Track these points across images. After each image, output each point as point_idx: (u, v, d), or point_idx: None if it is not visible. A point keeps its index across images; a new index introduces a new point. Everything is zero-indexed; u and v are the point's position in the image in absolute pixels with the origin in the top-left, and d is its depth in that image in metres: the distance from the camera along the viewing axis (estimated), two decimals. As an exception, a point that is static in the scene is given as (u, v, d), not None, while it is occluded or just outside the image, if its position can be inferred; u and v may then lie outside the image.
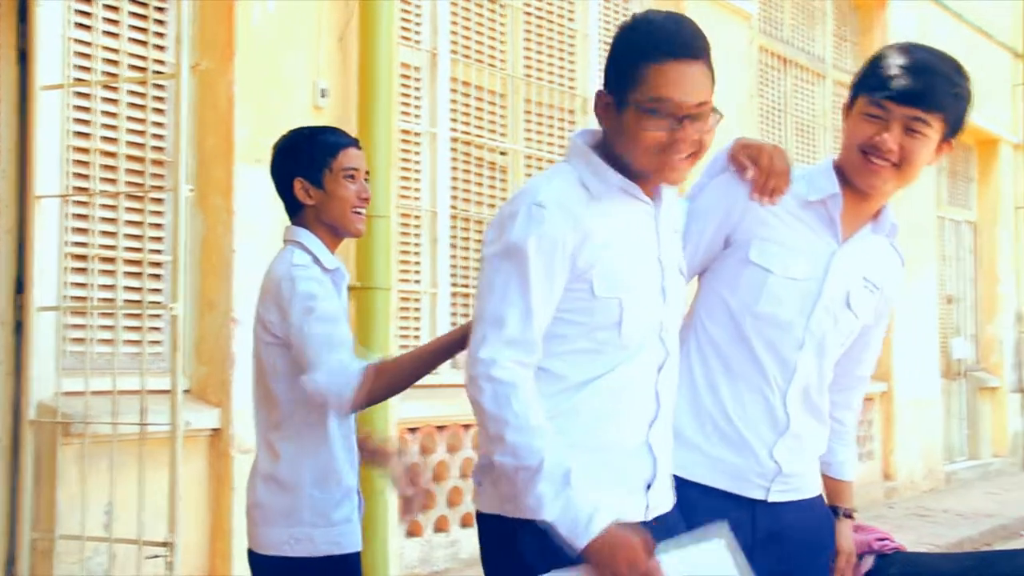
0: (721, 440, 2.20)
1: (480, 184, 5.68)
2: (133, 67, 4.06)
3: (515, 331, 1.89)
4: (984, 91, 10.69)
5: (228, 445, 4.19)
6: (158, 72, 4.03)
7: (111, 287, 3.86)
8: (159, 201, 4.19)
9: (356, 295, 4.62)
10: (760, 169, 2.20)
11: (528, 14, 5.94)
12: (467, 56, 5.57)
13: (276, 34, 4.44)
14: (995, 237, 10.87)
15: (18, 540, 3.71)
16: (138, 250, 3.94)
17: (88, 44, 3.89)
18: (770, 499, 2.23)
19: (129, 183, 3.90)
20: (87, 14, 3.95)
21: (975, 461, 10.27)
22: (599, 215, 1.95)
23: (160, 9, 4.22)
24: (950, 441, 10.05)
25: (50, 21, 3.81)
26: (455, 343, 2.36)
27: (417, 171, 5.31)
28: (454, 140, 5.49)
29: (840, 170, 2.22)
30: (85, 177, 3.81)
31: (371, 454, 2.72)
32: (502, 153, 5.82)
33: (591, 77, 6.29)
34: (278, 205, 4.36)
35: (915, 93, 2.12)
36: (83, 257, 3.81)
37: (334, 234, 2.60)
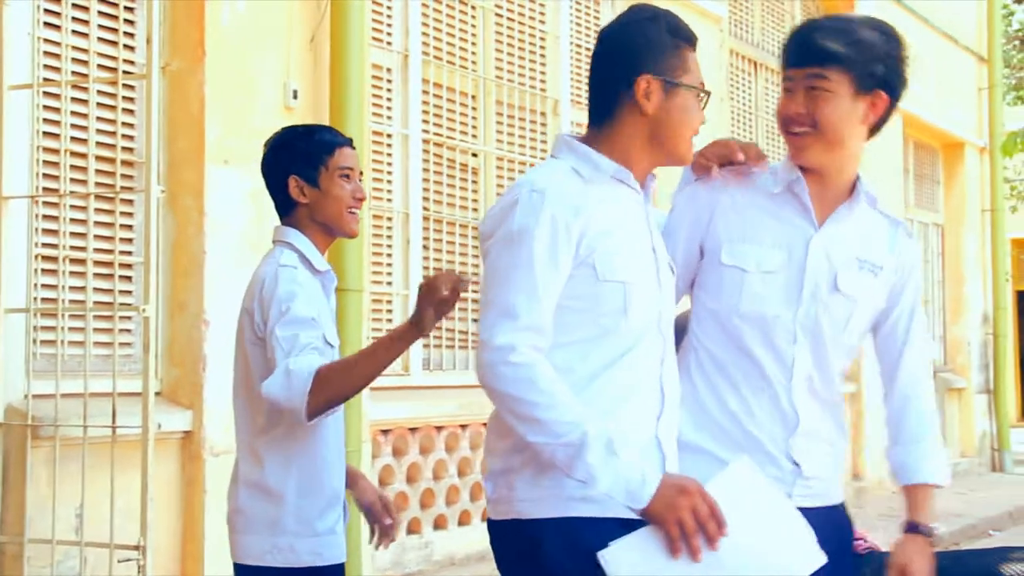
0: (734, 446, 2.13)
1: (452, 186, 5.68)
2: (102, 67, 4.04)
3: (526, 317, 1.88)
4: (950, 95, 10.87)
5: (200, 447, 4.17)
6: (128, 72, 4.01)
7: (81, 288, 3.82)
8: (129, 202, 4.16)
9: (328, 296, 4.61)
10: (730, 149, 2.21)
11: (499, 16, 5.95)
12: (438, 58, 5.57)
13: (247, 35, 4.42)
14: (961, 239, 10.99)
15: (-13, 544, 3.67)
16: (108, 251, 3.91)
17: (57, 44, 3.86)
18: (795, 504, 2.09)
19: (99, 184, 3.87)
20: (56, 13, 3.92)
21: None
22: (596, 201, 1.97)
23: (129, 9, 4.19)
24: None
25: (18, 20, 3.78)
26: (405, 335, 2.30)
27: (389, 172, 5.31)
28: (426, 142, 5.48)
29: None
30: (54, 178, 3.77)
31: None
32: (473, 155, 5.82)
33: (562, 79, 6.31)
34: (249, 206, 4.37)
35: (804, 52, 2.13)
36: (52, 258, 3.78)
37: (327, 234, 2.57)
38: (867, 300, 2.20)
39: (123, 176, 3.98)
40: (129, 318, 4.15)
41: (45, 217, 3.85)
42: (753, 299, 2.15)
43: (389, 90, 5.30)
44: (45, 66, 3.89)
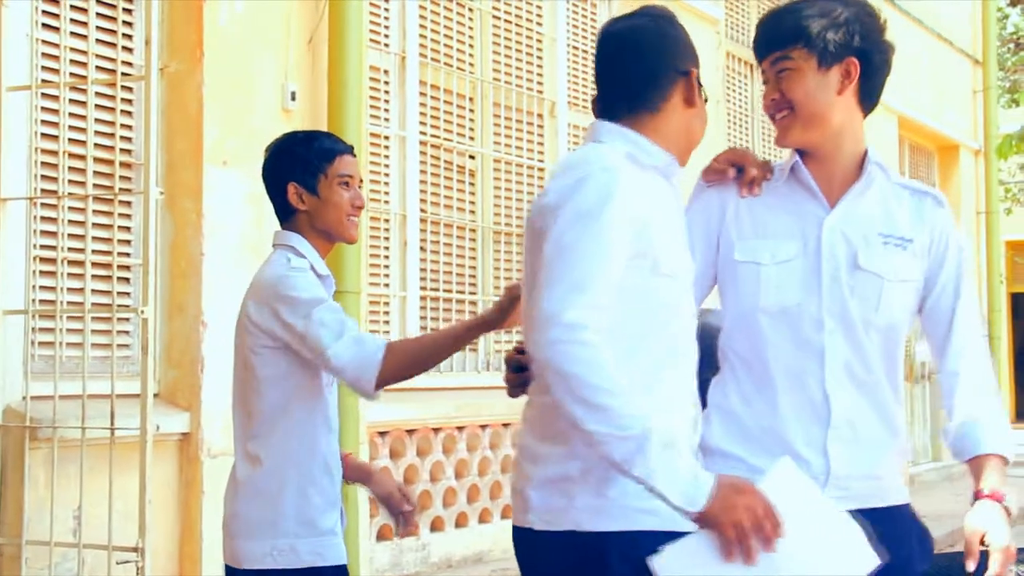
0: (763, 450, 2.05)
1: (449, 188, 5.68)
2: (100, 68, 4.04)
3: (597, 295, 1.78)
4: (945, 97, 10.90)
5: (198, 449, 4.17)
6: (126, 74, 4.00)
7: (79, 290, 3.82)
8: (127, 204, 4.16)
9: (326, 298, 4.61)
10: (747, 161, 2.19)
11: (496, 18, 5.96)
12: (436, 59, 5.57)
13: (245, 36, 4.42)
14: (957, 241, 11.01)
15: (-16, 546, 3.67)
16: (107, 253, 3.91)
17: (56, 45, 3.85)
18: None
19: (97, 185, 3.87)
20: (54, 15, 3.92)
21: (938, 463, 10.38)
22: (652, 190, 1.94)
23: (128, 11, 4.19)
24: (914, 444, 10.16)
25: (16, 21, 3.78)
26: (480, 327, 2.35)
27: (386, 174, 5.31)
28: (423, 143, 5.49)
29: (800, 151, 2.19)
30: (53, 179, 3.77)
31: (354, 471, 2.72)
32: (471, 157, 5.83)
33: (559, 81, 6.32)
34: (247, 208, 4.38)
35: (766, 41, 2.15)
36: (51, 260, 3.77)
37: (326, 240, 2.58)
38: (897, 275, 2.11)
39: (121, 178, 3.98)
40: (127, 320, 4.14)
41: (43, 219, 3.85)
42: (772, 291, 2.10)
43: (386, 92, 5.30)
44: (43, 67, 3.89)
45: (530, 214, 1.95)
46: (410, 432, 5.26)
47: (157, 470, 3.81)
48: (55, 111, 3.80)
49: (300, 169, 2.53)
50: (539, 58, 6.23)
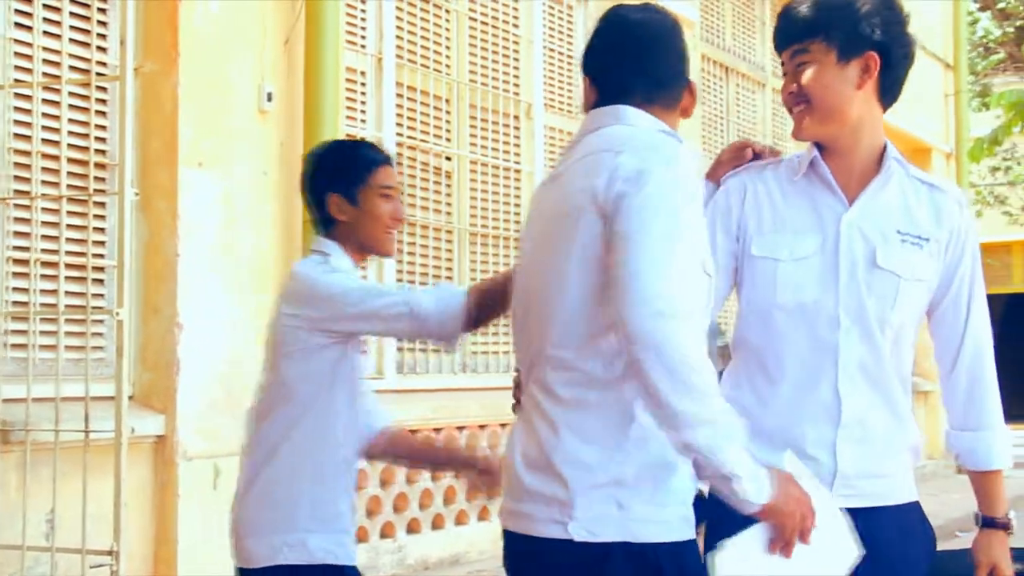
0: (772, 448, 1.98)
1: (426, 189, 5.68)
2: (74, 68, 4.00)
3: (689, 278, 1.78)
4: (918, 101, 10.98)
5: (173, 452, 4.14)
6: (101, 74, 3.97)
7: (53, 292, 3.79)
8: (101, 205, 4.13)
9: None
10: (744, 146, 2.21)
11: (473, 20, 5.96)
12: (412, 61, 5.57)
13: (221, 37, 4.40)
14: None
15: (-44, 551, 3.63)
16: (81, 254, 3.88)
17: (29, 45, 3.81)
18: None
19: (71, 186, 3.84)
20: (27, 14, 3.88)
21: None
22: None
23: (102, 10, 4.16)
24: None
25: (-11, 21, 3.75)
26: None
27: (363, 176, 5.29)
28: (399, 145, 5.48)
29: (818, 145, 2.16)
30: (26, 180, 3.73)
31: (463, 463, 2.76)
32: (447, 158, 5.82)
33: (535, 83, 6.32)
34: (222, 209, 4.35)
35: (785, 32, 2.12)
36: (24, 261, 3.74)
37: (363, 252, 2.54)
38: (914, 274, 2.08)
39: (96, 178, 3.95)
40: (101, 321, 4.11)
41: (16, 219, 3.82)
42: (789, 288, 2.07)
43: (363, 93, 5.29)
44: (16, 67, 3.85)
45: (571, 198, 1.85)
46: (386, 434, 5.24)
47: (132, 473, 3.78)
48: (28, 111, 3.77)
49: (341, 179, 2.48)
50: (515, 60, 6.23)
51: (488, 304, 2.31)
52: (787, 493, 1.75)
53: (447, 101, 5.80)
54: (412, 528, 5.34)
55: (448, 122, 5.81)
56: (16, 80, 3.81)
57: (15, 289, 3.79)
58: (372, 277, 5.33)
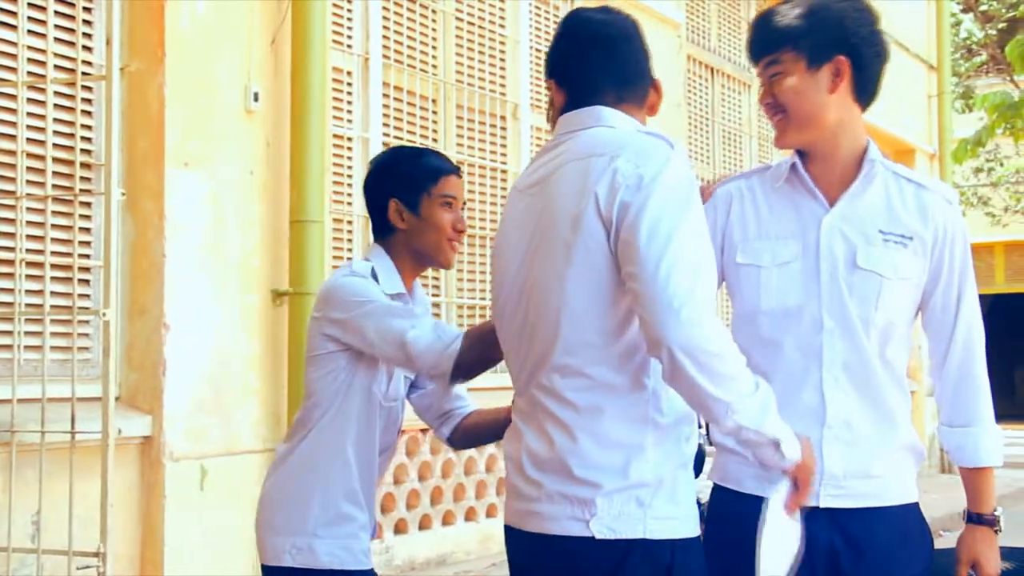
0: None
1: (412, 189, 5.67)
2: (59, 68, 3.99)
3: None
4: (901, 102, 11.03)
5: (159, 453, 4.13)
6: (86, 74, 3.96)
7: (38, 292, 3.77)
8: (87, 205, 4.11)
9: (289, 300, 4.59)
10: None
11: (459, 20, 5.96)
12: (399, 61, 5.56)
13: (207, 36, 4.39)
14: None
15: (-59, 553, 3.60)
16: (66, 254, 3.86)
17: (13, 44, 3.80)
18: (823, 504, 2.05)
19: (57, 186, 3.82)
20: (12, 13, 3.86)
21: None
22: None
23: (87, 10, 4.14)
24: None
25: (-26, 20, 3.73)
26: None
27: (349, 176, 5.29)
28: (386, 145, 5.46)
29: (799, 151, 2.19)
30: (11, 180, 3.71)
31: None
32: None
33: (522, 83, 6.33)
34: (209, 209, 4.34)
35: (756, 45, 2.15)
36: (9, 262, 3.72)
37: (418, 262, 2.50)
38: (897, 273, 2.09)
39: (82, 178, 3.93)
40: (87, 322, 4.09)
41: (1, 219, 3.80)
42: (773, 293, 2.11)
43: (349, 93, 5.28)
44: (1, 66, 3.84)
45: (565, 204, 1.86)
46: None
47: (118, 474, 3.76)
48: (13, 111, 3.75)
49: (403, 186, 2.45)
50: (502, 60, 6.24)
51: (482, 348, 2.26)
52: (808, 453, 1.88)
53: (434, 101, 5.80)
54: (399, 528, 5.34)
55: (435, 122, 5.81)
56: (1, 79, 3.79)
57: (0, 290, 3.77)
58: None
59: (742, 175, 2.26)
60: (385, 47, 5.47)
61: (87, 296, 4.11)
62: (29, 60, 3.83)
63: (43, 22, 3.89)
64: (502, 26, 6.25)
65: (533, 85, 6.39)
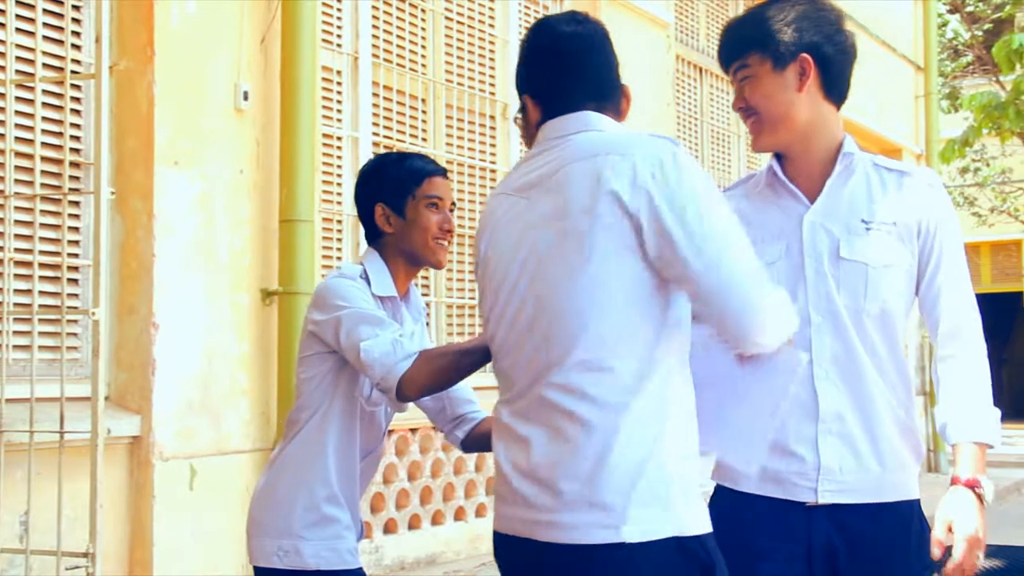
0: (752, 444, 2.05)
1: (402, 189, 5.66)
2: (48, 66, 3.97)
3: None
4: (888, 102, 11.08)
5: (149, 453, 4.11)
6: (75, 72, 3.94)
7: (27, 291, 3.76)
8: (75, 204, 4.09)
9: (279, 299, 4.58)
10: None
11: (449, 19, 5.95)
12: (388, 60, 5.56)
13: (197, 35, 4.37)
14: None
15: (-72, 553, 3.58)
16: (55, 254, 3.85)
17: (1, 42, 3.78)
18: (821, 501, 2.07)
19: (45, 185, 3.81)
20: (0, 11, 3.84)
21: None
22: None
23: (76, 8, 4.12)
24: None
25: (-38, 18, 3.70)
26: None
27: (339, 175, 5.28)
28: (376, 144, 5.46)
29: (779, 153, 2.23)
30: (-1, 179, 3.70)
31: None
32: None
33: (511, 83, 6.31)
34: (199, 208, 4.33)
35: (726, 52, 2.20)
36: (-3, 261, 3.71)
37: (411, 263, 2.54)
38: (881, 261, 2.10)
39: (71, 177, 3.91)
40: (76, 321, 4.08)
41: (-10, 219, 3.77)
42: None
43: (339, 92, 5.27)
44: (-10, 65, 3.81)
45: (576, 203, 1.86)
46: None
47: (107, 474, 3.75)
48: (1, 109, 3.73)
49: (388, 190, 2.49)
50: (491, 60, 6.24)
51: (433, 371, 2.27)
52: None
53: (423, 101, 5.80)
54: (389, 528, 5.33)
55: (424, 122, 5.80)
56: (-11, 78, 3.77)
57: (-11, 289, 3.75)
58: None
59: (727, 189, 2.30)
60: (375, 46, 5.46)
61: (76, 296, 4.10)
62: (17, 58, 3.82)
63: (31, 20, 3.88)
64: (491, 26, 6.25)
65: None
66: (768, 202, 2.18)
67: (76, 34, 4.12)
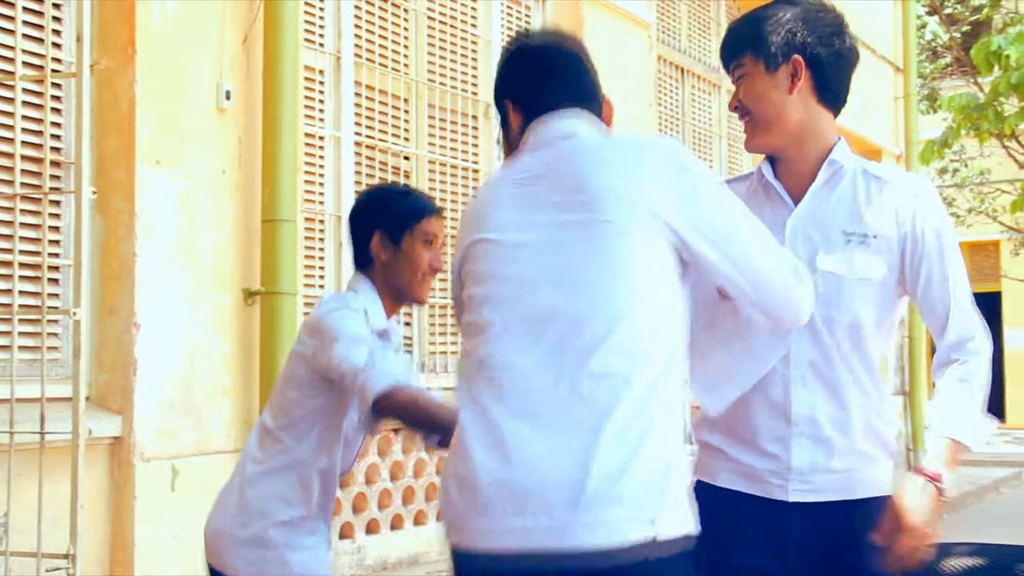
0: (737, 442, 2.13)
1: (384, 189, 5.66)
2: (28, 65, 3.94)
3: None
4: (869, 103, 11.13)
5: (130, 453, 4.10)
6: (56, 71, 3.92)
7: (7, 291, 3.74)
8: (56, 203, 4.07)
9: (261, 299, 4.57)
10: None
11: (431, 19, 5.95)
12: (371, 60, 5.55)
13: (179, 34, 4.36)
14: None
15: (-93, 555, 3.56)
16: (36, 254, 3.82)
17: (-18, 41, 3.77)
18: (791, 499, 2.09)
19: (26, 184, 3.78)
20: (-19, 10, 3.83)
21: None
22: None
23: (57, 6, 4.10)
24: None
25: (-58, 16, 3.68)
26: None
27: (321, 175, 5.27)
28: (358, 144, 5.46)
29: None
30: (-21, 178, 3.68)
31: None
32: (406, 158, 5.81)
33: (493, 83, 6.31)
34: (181, 208, 4.31)
35: (724, 53, 2.22)
36: (-23, 261, 3.68)
37: (396, 297, 2.61)
38: (856, 274, 2.10)
39: (51, 176, 3.89)
40: (56, 321, 4.05)
41: (-31, 218, 3.75)
42: None
43: (321, 92, 5.27)
44: (-30, 63, 3.79)
45: (611, 191, 1.82)
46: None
47: (88, 475, 3.74)
48: (-18, 108, 3.71)
49: (389, 220, 2.57)
50: (474, 60, 6.24)
51: (409, 403, 2.31)
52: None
53: (406, 100, 5.80)
54: (371, 528, 5.33)
55: (407, 121, 5.80)
56: (-31, 76, 3.75)
57: (-32, 289, 3.73)
58: (330, 278, 5.31)
59: (727, 182, 2.27)
60: (357, 46, 5.46)
61: (57, 296, 4.07)
62: (-3, 57, 3.79)
63: (11, 18, 3.85)
64: (474, 26, 6.25)
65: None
66: (756, 203, 2.17)
67: (57, 32, 4.09)
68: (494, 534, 1.73)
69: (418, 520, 5.59)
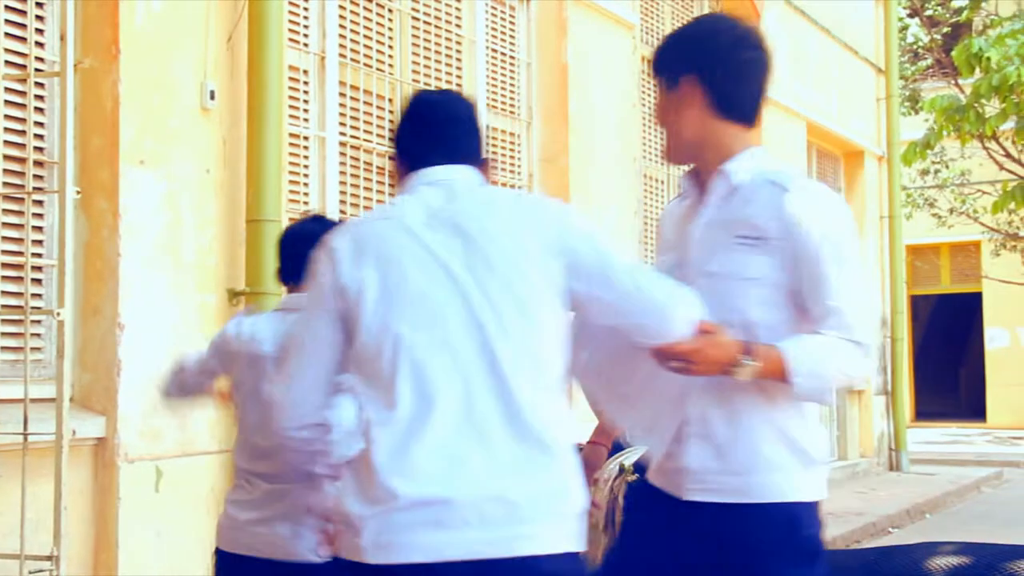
0: (648, 435, 2.30)
1: (369, 188, 5.66)
2: (11, 64, 3.93)
3: None
4: (850, 105, 11.17)
5: (113, 454, 4.08)
6: (39, 70, 3.90)
7: (-10, 292, 3.72)
8: (39, 203, 4.05)
9: (246, 300, 4.56)
10: None
11: (416, 19, 5.95)
12: (355, 60, 5.55)
13: (163, 34, 4.34)
14: (861, 245, 11.32)
15: None
16: (19, 254, 3.80)
17: (-36, 39, 3.75)
18: (686, 498, 2.17)
19: (8, 184, 3.76)
20: (-37, 8, 3.80)
21: (843, 462, 10.65)
22: None
23: (40, 4, 4.08)
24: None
25: (-76, 14, 3.66)
26: None
27: (306, 175, 5.26)
28: (343, 144, 5.45)
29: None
30: (-38, 177, 3.66)
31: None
32: (390, 158, 5.79)
33: (478, 84, 6.33)
34: (165, 208, 4.30)
35: (654, 64, 2.35)
36: (-40, 261, 3.66)
37: None
38: (741, 275, 2.15)
39: (34, 176, 3.87)
40: (39, 322, 4.03)
41: (-48, 218, 3.73)
42: None
43: (306, 92, 5.26)
44: (-48, 62, 3.77)
45: (518, 242, 2.02)
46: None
47: (72, 476, 3.72)
48: (-36, 107, 3.69)
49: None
50: (458, 60, 6.24)
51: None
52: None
53: (390, 100, 5.79)
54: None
55: (391, 121, 5.79)
56: (-49, 75, 3.72)
57: (-49, 289, 3.71)
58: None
59: (675, 198, 2.47)
60: (341, 46, 5.45)
61: (40, 296, 4.05)
62: (-20, 56, 3.77)
63: (-6, 17, 3.84)
64: (458, 26, 6.25)
65: (489, 86, 6.40)
66: (680, 212, 2.35)
67: (40, 31, 4.07)
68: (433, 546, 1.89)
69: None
